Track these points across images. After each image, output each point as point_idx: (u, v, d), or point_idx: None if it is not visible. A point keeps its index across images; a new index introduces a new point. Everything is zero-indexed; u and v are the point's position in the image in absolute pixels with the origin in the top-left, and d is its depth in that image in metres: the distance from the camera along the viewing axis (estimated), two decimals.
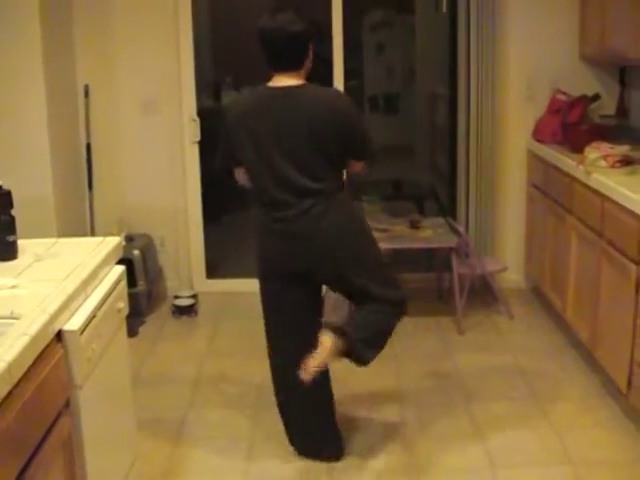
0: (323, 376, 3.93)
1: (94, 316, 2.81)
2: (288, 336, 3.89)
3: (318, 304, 3.99)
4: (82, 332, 2.66)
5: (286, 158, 3.57)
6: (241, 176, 3.80)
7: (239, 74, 9.04)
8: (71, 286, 2.75)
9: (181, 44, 6.00)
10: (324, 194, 3.62)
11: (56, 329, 2.53)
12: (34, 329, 2.33)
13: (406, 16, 9.77)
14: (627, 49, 4.87)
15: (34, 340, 2.30)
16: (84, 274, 2.88)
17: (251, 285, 6.19)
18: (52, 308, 2.52)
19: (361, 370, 4.21)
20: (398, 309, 3.86)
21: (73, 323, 2.65)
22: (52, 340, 2.49)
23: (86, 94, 5.88)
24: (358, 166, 3.83)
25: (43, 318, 2.43)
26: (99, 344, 2.85)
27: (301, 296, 3.83)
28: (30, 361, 2.28)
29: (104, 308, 2.94)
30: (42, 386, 2.35)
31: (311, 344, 3.65)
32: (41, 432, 2.36)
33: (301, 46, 3.61)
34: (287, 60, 3.61)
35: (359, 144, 3.74)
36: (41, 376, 2.36)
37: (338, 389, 4.06)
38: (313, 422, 4.00)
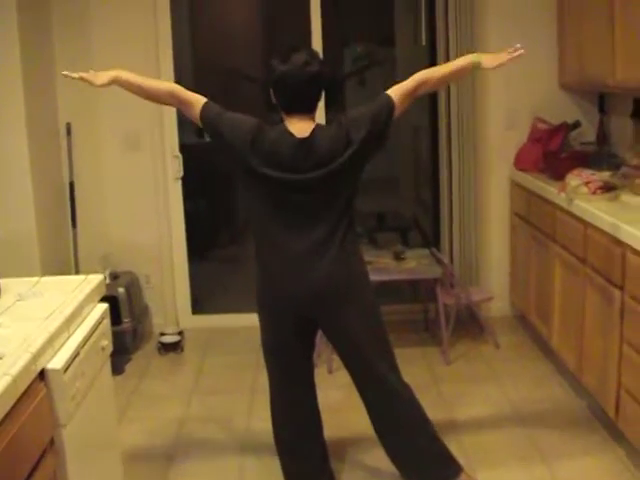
0: (313, 411, 3.95)
1: (77, 354, 2.79)
2: (281, 372, 3.87)
3: (312, 345, 3.95)
4: (65, 370, 2.64)
5: (302, 206, 3.49)
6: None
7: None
8: (54, 324, 2.73)
9: (163, 80, 5.97)
10: (338, 240, 3.54)
11: (39, 368, 2.52)
12: (16, 368, 2.32)
13: (387, 49, 9.82)
14: (606, 76, 4.90)
15: (16, 379, 2.28)
16: (67, 312, 2.87)
17: (236, 320, 6.27)
18: (35, 347, 2.50)
19: (349, 402, 4.21)
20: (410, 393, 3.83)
21: (56, 362, 2.63)
22: (35, 379, 2.48)
23: (68, 132, 5.89)
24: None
25: (26, 357, 2.41)
26: (83, 382, 2.83)
27: (299, 337, 3.78)
28: (13, 401, 2.26)
29: (88, 346, 2.92)
30: (25, 426, 2.34)
31: (302, 382, 3.85)
32: (25, 472, 2.34)
33: (319, 88, 3.51)
34: (304, 103, 3.50)
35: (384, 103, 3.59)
36: (24, 415, 2.34)
37: (327, 422, 4.03)
38: (305, 453, 3.96)
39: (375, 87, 10.24)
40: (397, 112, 3.60)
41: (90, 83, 3.64)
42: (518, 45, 3.77)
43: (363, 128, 3.48)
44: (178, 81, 5.97)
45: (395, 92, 3.62)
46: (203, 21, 9.07)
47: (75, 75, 3.63)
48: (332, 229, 3.53)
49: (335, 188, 3.51)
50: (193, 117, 3.61)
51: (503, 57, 3.78)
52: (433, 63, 6.10)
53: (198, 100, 3.61)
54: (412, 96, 3.67)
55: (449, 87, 5.92)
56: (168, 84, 3.68)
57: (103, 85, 3.64)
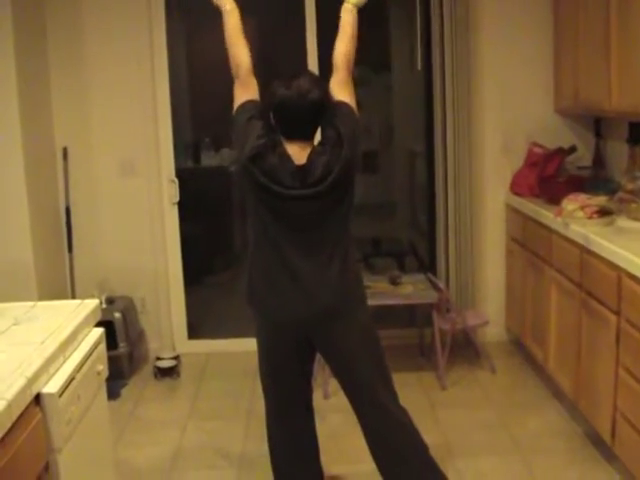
0: (310, 435, 3.93)
1: (73, 378, 2.79)
2: (279, 395, 3.85)
3: (310, 370, 3.94)
4: (61, 395, 2.64)
5: (302, 220, 3.50)
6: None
7: (218, 135, 9.08)
8: (49, 349, 2.73)
9: (159, 105, 6.04)
10: (340, 260, 3.54)
11: (34, 392, 2.51)
12: (11, 393, 2.32)
13: (383, 74, 9.84)
14: (601, 101, 4.92)
15: (11, 404, 2.28)
16: (62, 337, 2.87)
17: (232, 345, 6.26)
18: (30, 371, 2.50)
19: (346, 427, 4.19)
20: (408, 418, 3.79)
21: (51, 386, 2.63)
22: (30, 403, 2.47)
23: (64, 157, 5.90)
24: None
25: (21, 382, 2.41)
26: (79, 407, 2.83)
27: (298, 359, 3.76)
28: (8, 425, 2.26)
29: (83, 370, 2.92)
30: (20, 450, 2.33)
31: (299, 406, 3.86)
32: None
33: (318, 115, 3.50)
34: (304, 130, 3.50)
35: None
36: (19, 440, 2.33)
37: (323, 446, 4.02)
38: (302, 479, 3.95)
39: (371, 112, 10.28)
40: (355, 107, 3.62)
41: None
42: None
43: (346, 142, 3.47)
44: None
45: (342, 93, 3.61)
46: (198, 40, 9.10)
47: None
48: (333, 247, 3.54)
49: (332, 200, 3.50)
50: (235, 98, 3.63)
51: None
52: (429, 89, 6.13)
53: (249, 93, 3.62)
54: (350, 76, 3.66)
55: (445, 111, 5.94)
56: (245, 56, 3.62)
57: (214, 2, 3.67)
